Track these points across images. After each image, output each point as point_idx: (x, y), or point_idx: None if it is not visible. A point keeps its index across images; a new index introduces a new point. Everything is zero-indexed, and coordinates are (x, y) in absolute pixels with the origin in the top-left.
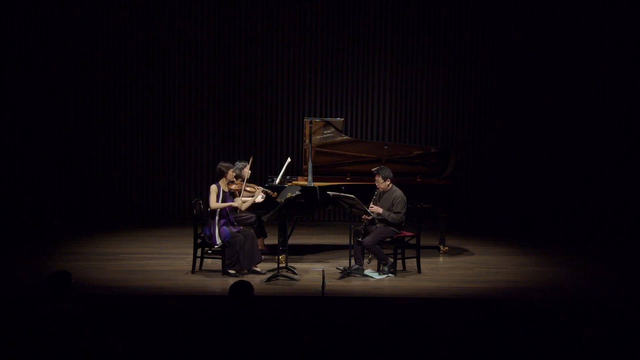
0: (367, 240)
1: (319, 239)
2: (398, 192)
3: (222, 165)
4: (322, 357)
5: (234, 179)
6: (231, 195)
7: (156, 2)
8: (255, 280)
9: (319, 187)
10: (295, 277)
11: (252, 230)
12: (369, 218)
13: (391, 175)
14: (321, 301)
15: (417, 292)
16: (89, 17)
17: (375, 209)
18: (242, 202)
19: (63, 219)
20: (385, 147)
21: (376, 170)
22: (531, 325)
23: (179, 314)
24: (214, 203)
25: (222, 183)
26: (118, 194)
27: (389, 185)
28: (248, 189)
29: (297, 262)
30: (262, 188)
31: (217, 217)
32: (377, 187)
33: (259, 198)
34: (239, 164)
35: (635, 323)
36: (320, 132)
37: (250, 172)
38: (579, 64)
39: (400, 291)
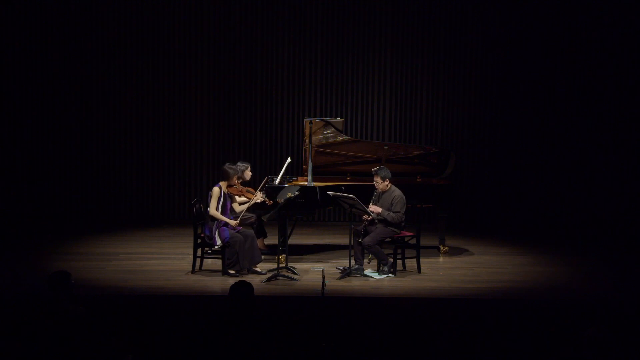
0: (367, 240)
1: (319, 239)
2: (397, 192)
3: (229, 167)
4: (322, 357)
5: (236, 183)
6: (229, 197)
7: (156, 2)
8: (255, 280)
9: (319, 187)
10: (295, 277)
11: (252, 231)
12: (369, 218)
13: (390, 175)
14: (321, 301)
15: (417, 292)
16: (89, 18)
17: (374, 208)
18: (240, 204)
19: (63, 219)
20: (385, 147)
21: (375, 170)
22: (531, 325)
23: (179, 314)
24: (213, 209)
25: (223, 184)
26: (118, 194)
27: (387, 185)
28: (248, 195)
29: (297, 262)
30: (261, 194)
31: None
32: (376, 187)
33: (259, 199)
34: (241, 165)
35: (636, 323)
36: (320, 132)
37: (251, 174)
38: (578, 65)
39: (400, 291)
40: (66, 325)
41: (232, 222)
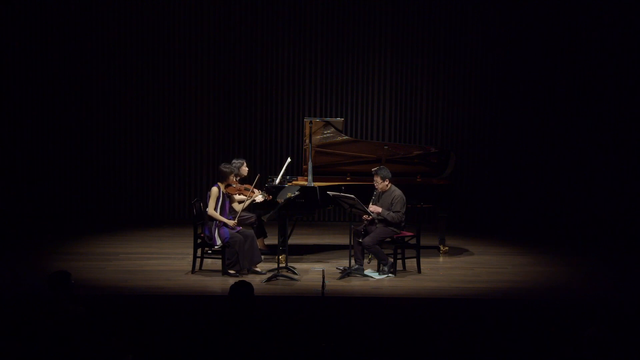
0: (367, 240)
1: (319, 239)
2: (397, 192)
3: (225, 167)
4: (322, 357)
5: (234, 182)
6: (228, 197)
7: (156, 2)
8: (255, 280)
9: (319, 187)
10: (295, 277)
11: (252, 231)
12: (369, 218)
13: (390, 175)
14: (321, 301)
15: (417, 292)
16: (89, 18)
17: (374, 208)
18: (239, 203)
19: (63, 219)
20: (385, 147)
21: (375, 170)
22: (531, 325)
23: (179, 314)
24: (212, 210)
25: (222, 185)
26: (118, 194)
27: (387, 185)
28: (246, 193)
29: (297, 262)
30: (258, 191)
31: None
32: (376, 187)
33: (259, 198)
34: (236, 162)
35: (636, 323)
36: (320, 132)
37: (247, 169)
38: (578, 65)
39: (400, 291)
40: (66, 325)
41: (230, 222)
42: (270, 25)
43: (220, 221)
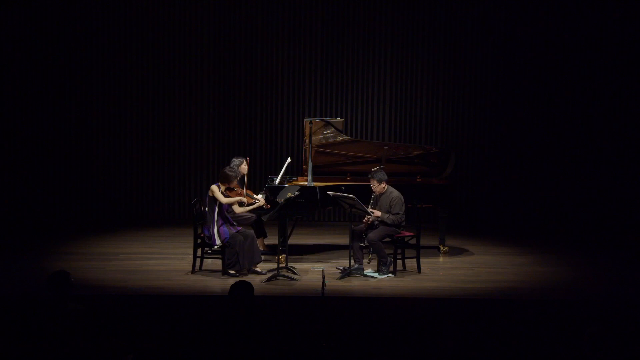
0: (372, 235)
1: (319, 239)
2: (395, 194)
3: (229, 170)
4: (322, 357)
5: (236, 185)
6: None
7: (155, 2)
8: (255, 280)
9: (319, 187)
10: (295, 277)
11: (252, 231)
12: (369, 221)
13: (386, 177)
14: (321, 301)
15: (417, 292)
16: (89, 18)
17: (374, 213)
18: (239, 205)
19: (63, 219)
20: (385, 147)
21: (371, 175)
22: (531, 325)
23: (179, 314)
24: (224, 198)
25: (222, 186)
26: (118, 194)
27: (384, 187)
28: (247, 198)
29: (297, 262)
30: (261, 198)
31: (215, 218)
32: (373, 190)
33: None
34: (236, 161)
35: (636, 323)
36: (320, 132)
37: (247, 168)
38: (578, 65)
39: (400, 291)
40: (66, 325)
41: (241, 198)
42: (270, 25)
43: (220, 220)
